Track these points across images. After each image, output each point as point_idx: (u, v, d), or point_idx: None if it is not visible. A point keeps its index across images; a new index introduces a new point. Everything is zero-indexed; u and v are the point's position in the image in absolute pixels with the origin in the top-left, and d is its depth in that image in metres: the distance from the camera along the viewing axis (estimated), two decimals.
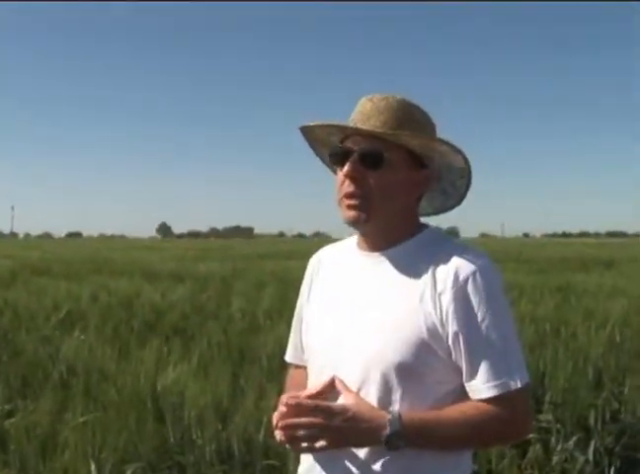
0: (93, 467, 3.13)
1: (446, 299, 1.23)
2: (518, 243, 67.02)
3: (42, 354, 5.53)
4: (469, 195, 1.39)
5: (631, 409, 4.02)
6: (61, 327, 6.98)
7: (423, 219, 1.42)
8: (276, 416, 1.28)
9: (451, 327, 1.23)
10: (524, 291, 10.02)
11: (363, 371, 1.27)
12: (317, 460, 1.31)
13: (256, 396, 4.02)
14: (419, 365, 1.24)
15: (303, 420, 1.21)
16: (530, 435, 3.33)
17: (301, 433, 1.22)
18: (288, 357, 1.56)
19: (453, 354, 1.24)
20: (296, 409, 1.23)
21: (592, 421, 3.77)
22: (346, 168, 1.29)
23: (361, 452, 1.25)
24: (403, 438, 1.19)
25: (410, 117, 1.30)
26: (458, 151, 1.30)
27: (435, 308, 1.24)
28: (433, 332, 1.23)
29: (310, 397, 1.28)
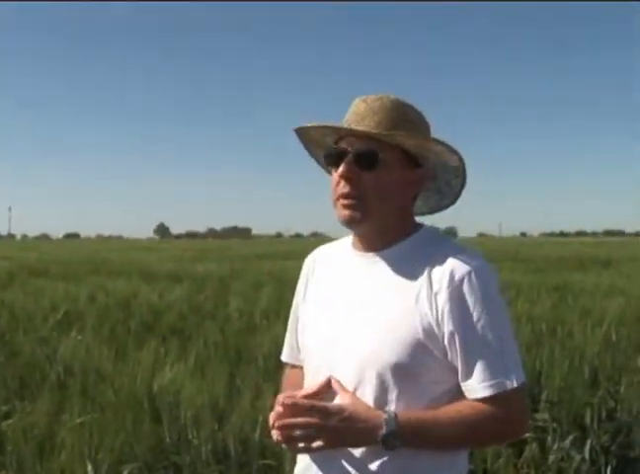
0: (90, 468, 3.12)
1: (442, 299, 1.24)
2: (515, 242, 67.06)
3: (40, 354, 5.52)
4: (467, 194, 1.39)
5: (627, 407, 4.03)
6: (59, 328, 6.97)
7: (420, 219, 1.42)
8: (272, 416, 1.28)
9: (447, 327, 1.23)
10: (521, 291, 10.03)
11: (359, 371, 1.27)
12: (314, 460, 1.31)
13: (252, 396, 4.03)
14: (415, 365, 1.24)
15: (300, 420, 1.21)
16: (527, 435, 3.34)
17: (298, 433, 1.22)
18: (284, 357, 1.56)
19: (449, 353, 1.24)
20: (293, 409, 1.23)
21: (588, 419, 3.78)
22: (341, 169, 1.30)
23: (358, 452, 1.25)
24: (399, 438, 1.19)
25: (404, 117, 1.30)
26: (454, 151, 1.30)
27: (430, 308, 1.24)
28: (428, 332, 1.24)
29: (306, 397, 1.28)
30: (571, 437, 3.55)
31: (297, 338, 1.49)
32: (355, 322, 1.31)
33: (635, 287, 10.77)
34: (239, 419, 3.62)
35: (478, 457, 3.37)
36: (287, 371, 1.57)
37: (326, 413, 1.21)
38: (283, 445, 1.27)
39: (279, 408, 1.26)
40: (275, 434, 1.27)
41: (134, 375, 4.53)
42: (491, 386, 1.22)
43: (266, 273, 14.96)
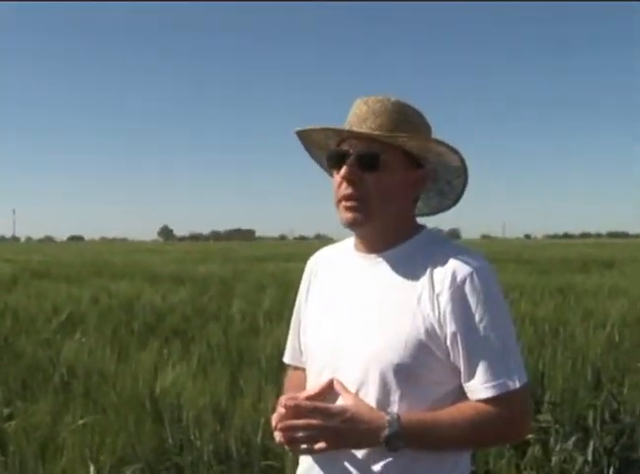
0: (92, 469, 3.13)
1: (444, 300, 1.24)
2: (519, 244, 67.02)
3: (42, 356, 5.53)
4: (471, 196, 1.40)
5: (630, 409, 4.01)
6: (62, 330, 6.98)
7: (424, 221, 1.43)
8: (275, 417, 1.29)
9: (449, 328, 1.23)
10: (525, 292, 10.03)
11: (362, 373, 1.27)
12: (316, 461, 1.31)
13: (254, 397, 4.03)
14: (417, 366, 1.24)
15: (302, 421, 1.22)
16: (529, 436, 3.33)
17: (300, 434, 1.22)
18: (287, 359, 1.56)
19: (452, 354, 1.24)
20: (295, 410, 1.23)
21: (590, 421, 3.76)
22: (343, 171, 1.30)
23: (360, 453, 1.25)
24: (402, 439, 1.19)
25: (405, 118, 1.31)
26: (455, 151, 1.30)
27: (432, 309, 1.24)
28: (431, 333, 1.24)
29: (309, 398, 1.28)
30: (574, 439, 3.54)
31: (300, 340, 1.49)
32: (357, 323, 1.31)
33: (638, 289, 10.75)
34: (241, 420, 3.62)
35: (480, 458, 3.36)
36: (290, 373, 1.57)
37: (328, 414, 1.21)
38: (286, 447, 1.27)
39: (281, 409, 1.26)
40: (277, 436, 1.27)
41: (137, 377, 4.54)
42: (493, 387, 1.22)
43: (269, 274, 14.99)
